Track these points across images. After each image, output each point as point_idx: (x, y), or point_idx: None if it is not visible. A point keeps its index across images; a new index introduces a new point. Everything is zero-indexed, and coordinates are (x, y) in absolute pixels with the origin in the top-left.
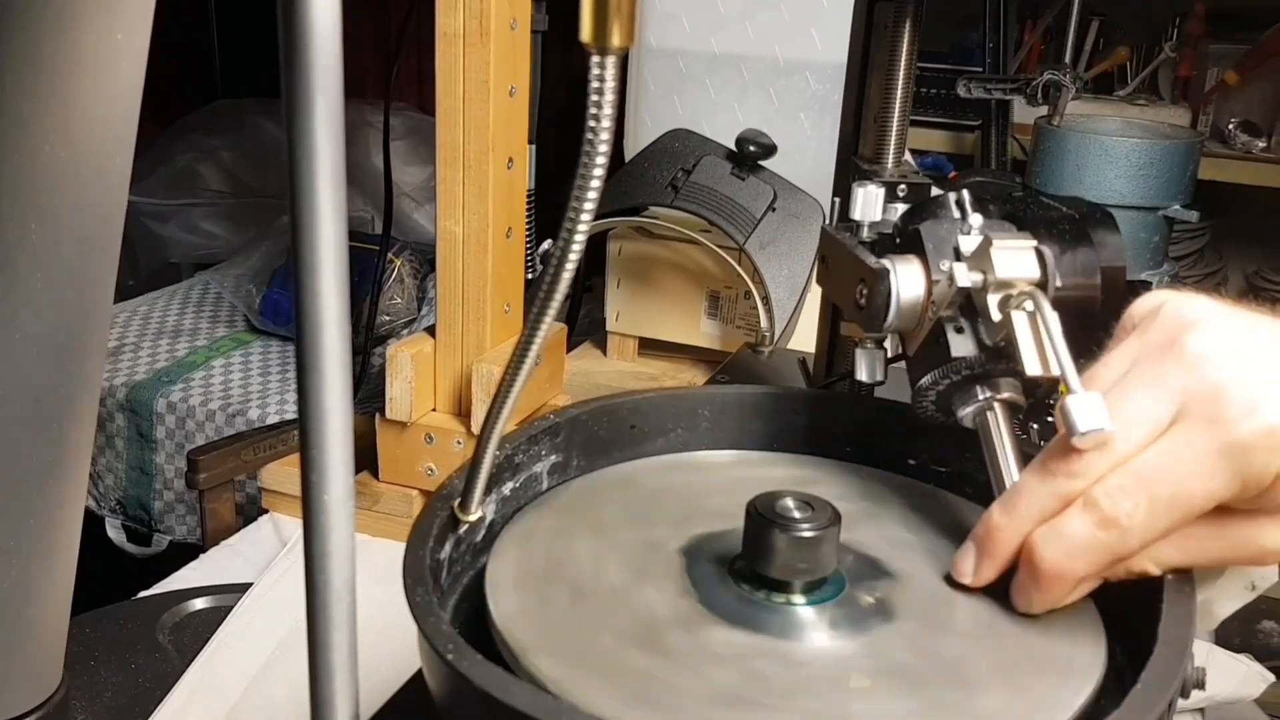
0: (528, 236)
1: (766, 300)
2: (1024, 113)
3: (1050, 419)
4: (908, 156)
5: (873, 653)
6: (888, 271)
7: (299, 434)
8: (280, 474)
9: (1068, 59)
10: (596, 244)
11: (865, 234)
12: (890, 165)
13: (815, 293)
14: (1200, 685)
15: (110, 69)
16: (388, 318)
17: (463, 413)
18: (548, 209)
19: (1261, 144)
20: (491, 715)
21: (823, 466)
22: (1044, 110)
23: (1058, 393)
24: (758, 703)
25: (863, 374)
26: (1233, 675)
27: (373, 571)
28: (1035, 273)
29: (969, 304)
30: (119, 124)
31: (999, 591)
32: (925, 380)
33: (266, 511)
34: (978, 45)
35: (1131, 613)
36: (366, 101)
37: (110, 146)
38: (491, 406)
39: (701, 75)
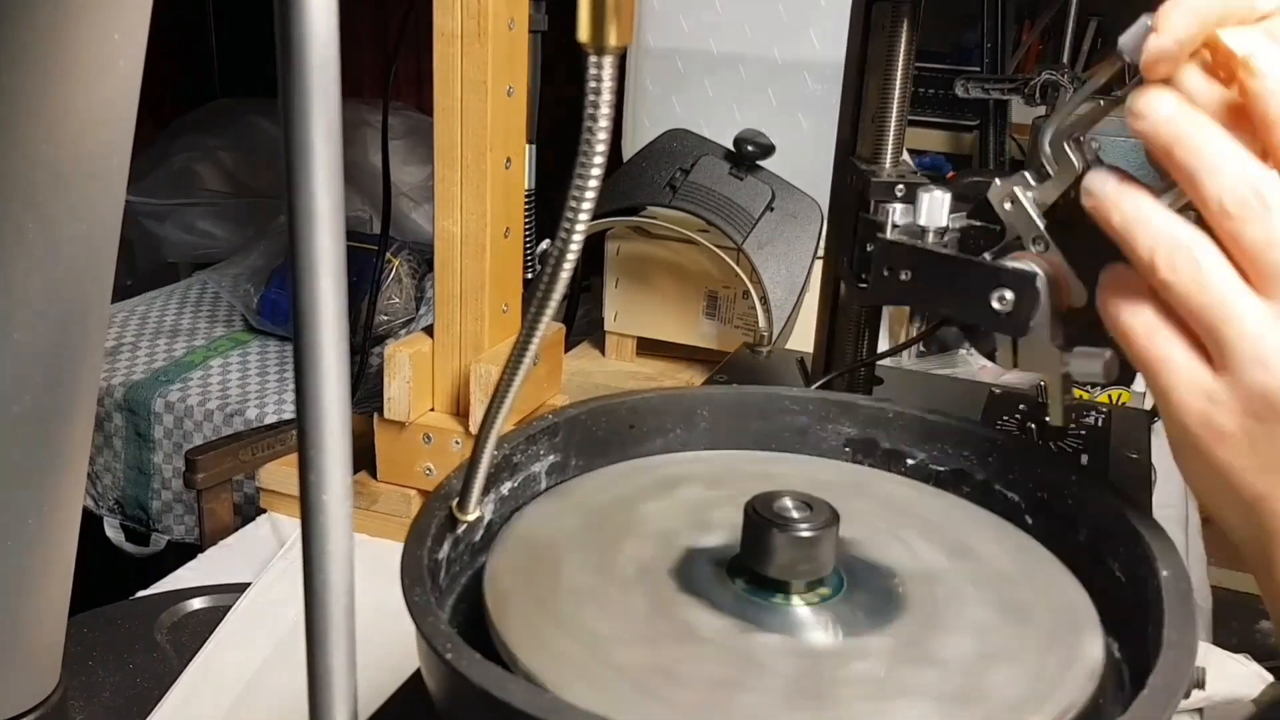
0: (526, 236)
1: (764, 300)
2: (1022, 113)
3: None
4: (906, 156)
5: (872, 652)
6: (1035, 275)
7: (297, 434)
8: (278, 474)
9: (1066, 59)
10: (594, 244)
11: (931, 239)
12: (888, 165)
13: (813, 292)
14: (1200, 685)
15: (108, 69)
16: (386, 317)
17: (461, 413)
18: (547, 209)
19: None
20: (490, 714)
21: (821, 466)
22: (1042, 110)
23: None
24: (757, 702)
25: (1101, 374)
26: (1231, 675)
27: (371, 571)
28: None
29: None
30: (116, 124)
31: (998, 591)
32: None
33: (264, 511)
34: (976, 45)
35: (1130, 611)
36: (364, 101)
37: (108, 146)
38: (490, 406)
39: (699, 75)
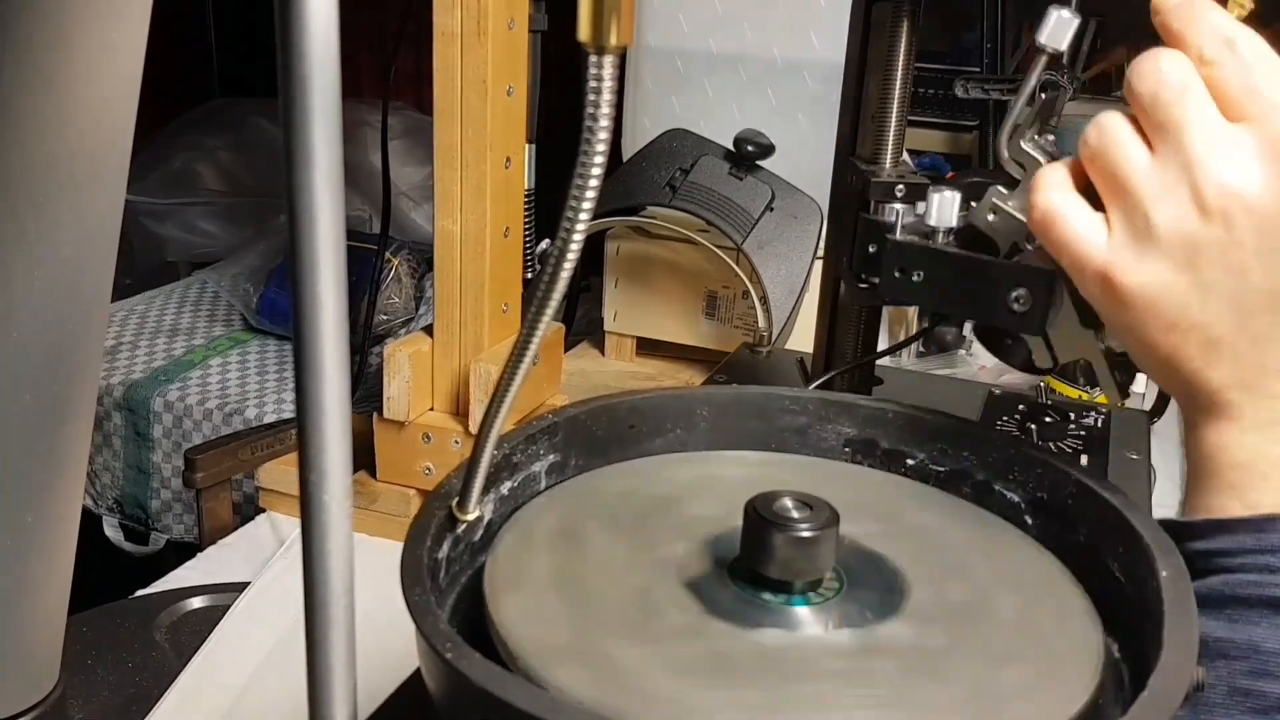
0: (526, 236)
1: (764, 300)
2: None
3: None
4: (905, 156)
5: (872, 652)
6: (1053, 273)
7: (297, 433)
8: (278, 473)
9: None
10: (594, 244)
11: (941, 239)
12: (888, 165)
13: (813, 292)
14: (1200, 688)
15: (108, 68)
16: (385, 317)
17: (460, 412)
18: (547, 208)
19: None
20: (490, 713)
21: (821, 466)
22: None
23: None
24: (752, 702)
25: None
26: None
27: (371, 571)
28: None
29: None
30: (116, 123)
31: (999, 591)
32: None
33: (264, 510)
34: (975, 46)
35: (1130, 612)
36: (364, 101)
37: (108, 145)
38: (489, 406)
39: (700, 75)
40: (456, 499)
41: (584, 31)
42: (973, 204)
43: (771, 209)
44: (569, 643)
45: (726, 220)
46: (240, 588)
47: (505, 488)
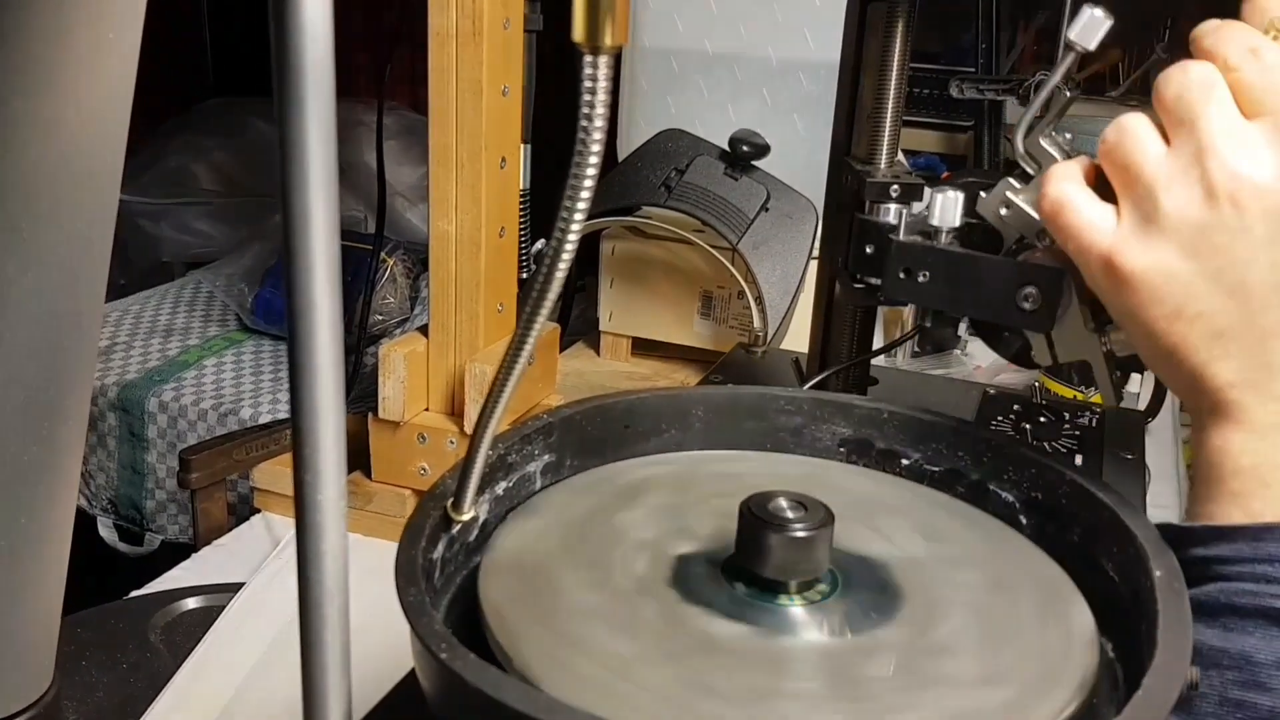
0: (521, 236)
1: (760, 300)
2: (1017, 113)
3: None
4: (900, 157)
5: (865, 652)
6: (1063, 271)
7: (292, 433)
8: (272, 473)
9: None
10: (590, 244)
11: (945, 239)
12: (883, 165)
13: (808, 292)
14: (1194, 687)
15: (102, 68)
16: (380, 317)
17: (455, 412)
18: (542, 208)
19: None
20: (485, 713)
21: (816, 467)
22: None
23: None
24: (751, 702)
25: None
26: None
27: (365, 571)
28: None
29: None
30: (111, 123)
31: (993, 591)
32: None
33: (258, 511)
34: (971, 46)
35: (1124, 612)
36: (359, 100)
37: (102, 145)
38: (484, 406)
39: (695, 75)
40: (451, 499)
41: (579, 32)
42: (983, 194)
43: (767, 209)
44: (564, 643)
45: (722, 220)
46: (235, 588)
47: (500, 488)
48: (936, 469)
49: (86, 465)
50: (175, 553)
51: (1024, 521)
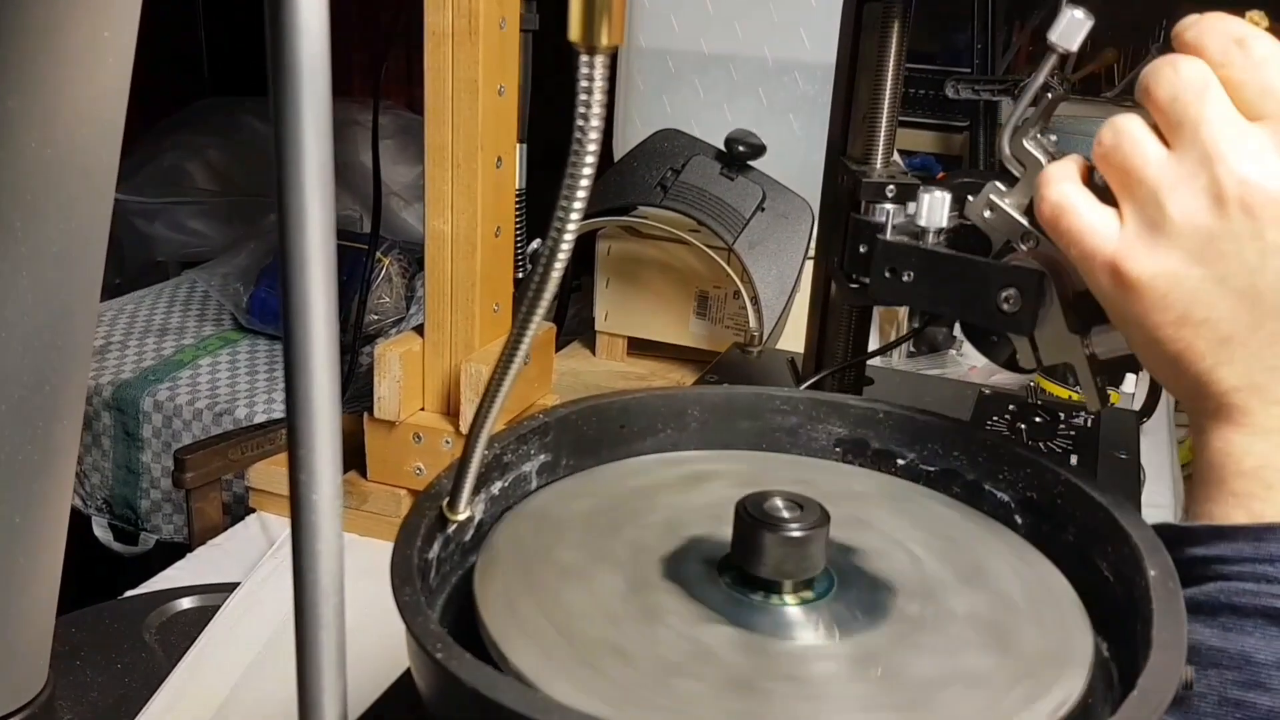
0: (517, 236)
1: (755, 300)
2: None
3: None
4: (896, 157)
5: (862, 652)
6: (1044, 273)
7: (287, 433)
8: (268, 473)
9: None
10: (585, 244)
11: (932, 240)
12: (879, 166)
13: (804, 293)
14: (1189, 686)
15: (97, 66)
16: (376, 317)
17: (451, 412)
18: (538, 208)
19: None
20: (480, 713)
21: (812, 466)
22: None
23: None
24: (746, 702)
25: (1123, 347)
26: None
27: (361, 571)
28: None
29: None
30: (106, 121)
31: (990, 590)
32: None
33: (254, 510)
34: (966, 46)
35: (1119, 611)
36: (354, 100)
37: (97, 144)
38: (480, 406)
39: (691, 75)
40: (447, 499)
41: (575, 31)
42: (970, 198)
43: (763, 209)
44: (559, 643)
45: (718, 220)
46: (230, 588)
47: (496, 488)
48: (932, 469)
49: (81, 465)
50: (170, 552)
51: (1019, 521)
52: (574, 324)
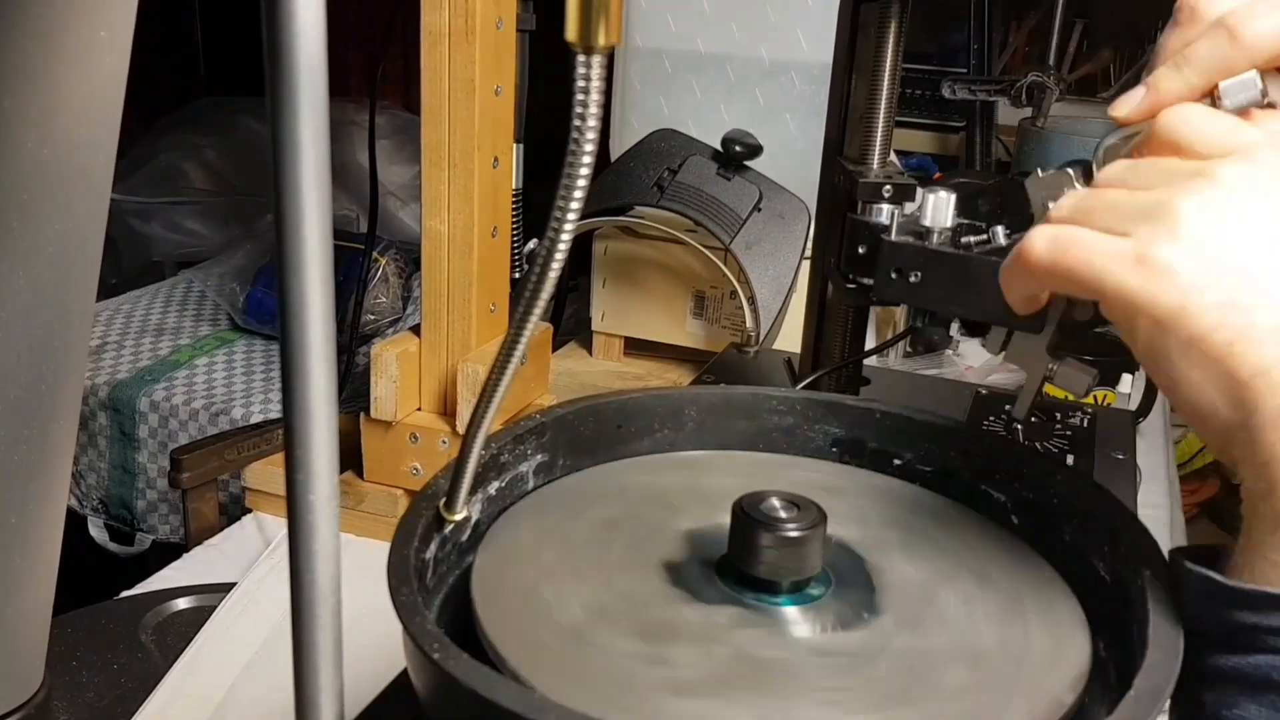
0: (514, 236)
1: (752, 300)
2: (1008, 114)
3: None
4: (893, 157)
5: (859, 651)
6: None
7: (284, 433)
8: (264, 473)
9: (1051, 61)
10: (582, 244)
11: (936, 240)
12: (875, 166)
13: (800, 293)
14: None
15: (94, 66)
16: (372, 317)
17: (448, 412)
18: (535, 208)
19: None
20: (478, 714)
21: (809, 466)
22: (1028, 112)
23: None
24: (742, 701)
25: (1077, 389)
26: None
27: (358, 571)
28: None
29: None
30: (102, 121)
31: (987, 590)
32: None
33: (250, 511)
34: (962, 47)
35: (1116, 611)
36: (351, 100)
37: (93, 144)
38: (477, 406)
39: (687, 75)
40: (444, 499)
41: (572, 31)
42: (1039, 171)
43: (759, 209)
44: (556, 643)
45: (714, 220)
46: (226, 588)
47: (493, 488)
48: (929, 469)
49: (77, 465)
50: (166, 553)
51: (1016, 522)
52: (570, 324)
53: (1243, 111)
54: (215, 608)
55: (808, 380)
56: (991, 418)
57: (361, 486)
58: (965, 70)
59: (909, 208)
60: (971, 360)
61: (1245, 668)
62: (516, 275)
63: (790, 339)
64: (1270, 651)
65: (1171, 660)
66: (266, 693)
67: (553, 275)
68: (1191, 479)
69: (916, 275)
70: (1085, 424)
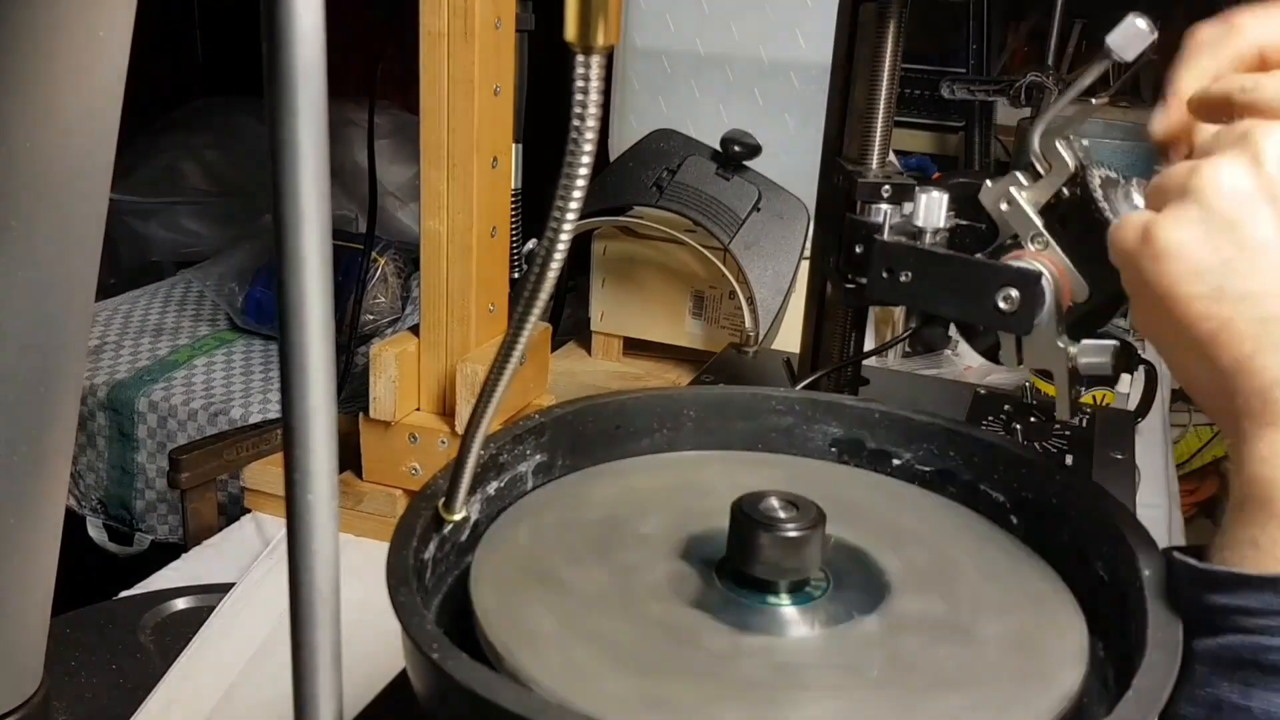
0: (513, 236)
1: (751, 300)
2: (1007, 114)
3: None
4: (892, 157)
5: (858, 651)
6: (1041, 274)
7: (283, 433)
8: (263, 473)
9: (1050, 61)
10: (581, 244)
11: (929, 240)
12: (875, 166)
13: (799, 293)
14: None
15: (93, 66)
16: (371, 317)
17: (447, 412)
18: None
19: None
20: (476, 714)
21: (807, 467)
22: (1027, 112)
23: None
24: (741, 701)
25: (1104, 368)
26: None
27: (356, 571)
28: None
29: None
30: (101, 121)
31: (986, 591)
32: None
33: (249, 511)
34: (961, 47)
35: (1115, 611)
36: (350, 100)
37: (92, 144)
38: (476, 406)
39: (686, 75)
40: (443, 499)
41: (571, 31)
42: (988, 183)
43: (758, 209)
44: (555, 643)
45: (713, 220)
46: (225, 589)
47: (492, 488)
48: (928, 469)
49: (76, 465)
50: (165, 553)
51: (1014, 522)
52: (569, 324)
53: None
54: (214, 608)
55: (807, 380)
56: (990, 418)
57: (360, 486)
58: (964, 70)
59: (908, 208)
60: (970, 360)
61: (1217, 648)
62: (515, 275)
63: (789, 339)
64: (1241, 631)
65: (1171, 660)
66: (265, 692)
67: (552, 275)
68: (1190, 478)
69: (907, 275)
70: (1084, 424)
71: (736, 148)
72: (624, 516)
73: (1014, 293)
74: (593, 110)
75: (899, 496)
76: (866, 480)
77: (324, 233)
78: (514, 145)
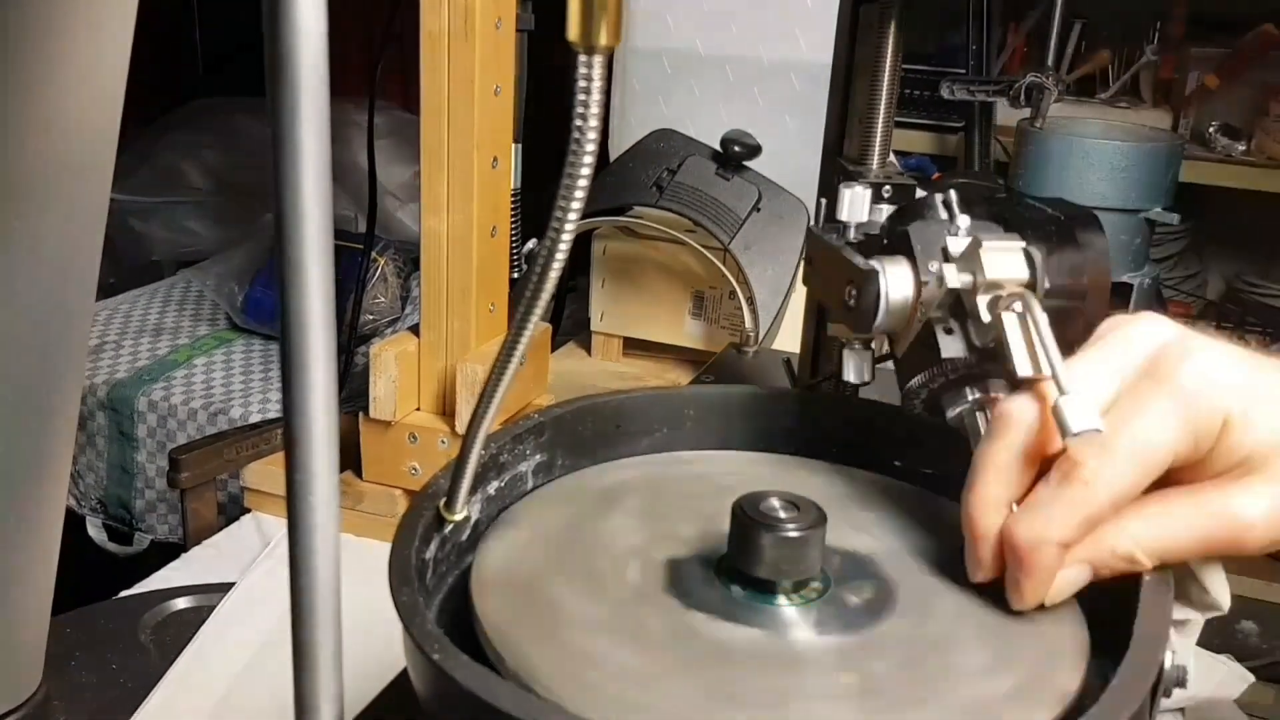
0: (513, 236)
1: (751, 300)
2: (1007, 115)
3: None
4: (892, 158)
5: (858, 652)
6: (877, 273)
7: (283, 433)
8: (263, 473)
9: (1050, 61)
10: (581, 244)
11: (852, 235)
12: (875, 166)
13: (800, 293)
14: (1182, 684)
15: (93, 66)
16: (371, 316)
17: (447, 412)
18: (534, 208)
19: (1241, 147)
20: (477, 716)
21: (808, 467)
22: (1027, 112)
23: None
24: (742, 703)
25: (850, 374)
26: (1213, 675)
27: (356, 571)
28: (1024, 273)
29: (958, 305)
30: (102, 121)
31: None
32: (915, 381)
33: (249, 510)
34: (961, 47)
35: (1115, 612)
36: (350, 100)
37: (93, 144)
38: (477, 406)
39: (687, 76)
40: (443, 499)
41: (573, 31)
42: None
43: (758, 209)
44: (556, 644)
45: (713, 220)
46: (225, 588)
47: (492, 488)
48: (929, 470)
49: (75, 465)
50: (165, 552)
51: None
52: (569, 324)
53: None
54: (214, 608)
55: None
56: None
57: (360, 486)
58: (964, 71)
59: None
60: None
61: None
62: (516, 275)
63: (789, 339)
64: None
65: (1155, 652)
66: (265, 693)
67: (553, 275)
68: None
69: (815, 264)
70: None
71: (736, 148)
72: (623, 516)
73: (853, 289)
74: (595, 110)
75: (900, 497)
76: (867, 480)
77: (325, 232)
78: (514, 145)
